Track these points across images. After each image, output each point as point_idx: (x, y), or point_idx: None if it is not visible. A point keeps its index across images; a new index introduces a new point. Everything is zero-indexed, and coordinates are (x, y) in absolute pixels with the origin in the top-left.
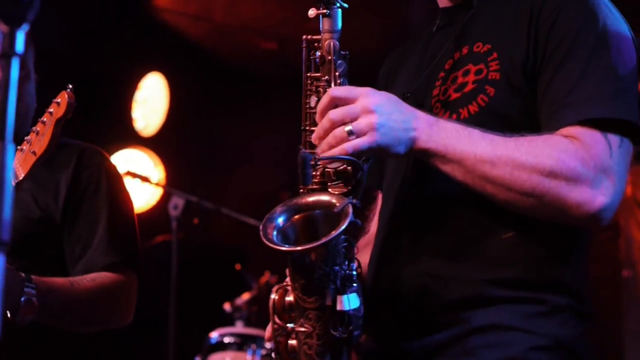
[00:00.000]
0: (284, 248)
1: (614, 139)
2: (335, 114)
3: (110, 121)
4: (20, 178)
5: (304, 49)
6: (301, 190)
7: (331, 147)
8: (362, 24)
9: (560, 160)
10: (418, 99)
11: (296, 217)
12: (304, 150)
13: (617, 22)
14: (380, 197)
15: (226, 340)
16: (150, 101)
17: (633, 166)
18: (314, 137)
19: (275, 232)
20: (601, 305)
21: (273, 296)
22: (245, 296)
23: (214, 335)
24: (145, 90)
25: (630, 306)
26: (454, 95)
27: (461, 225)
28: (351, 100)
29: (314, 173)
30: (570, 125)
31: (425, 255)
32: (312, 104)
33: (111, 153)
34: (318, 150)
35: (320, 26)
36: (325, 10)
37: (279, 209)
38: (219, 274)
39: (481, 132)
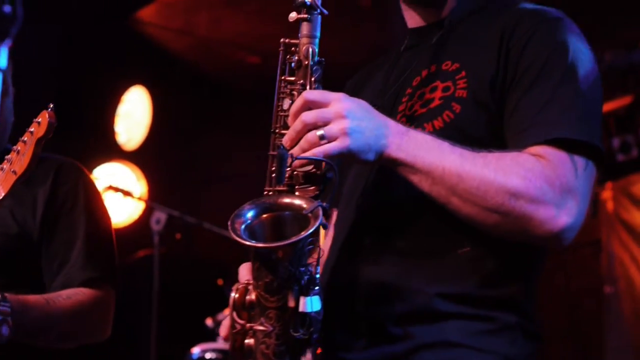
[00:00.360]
0: (250, 243)
1: (580, 160)
2: (307, 116)
3: (93, 135)
4: (0, 197)
5: (281, 51)
6: (265, 192)
7: (304, 150)
8: (350, 35)
9: (527, 179)
10: (384, 113)
11: (265, 215)
12: (282, 147)
13: (585, 49)
14: (335, 215)
15: (208, 356)
16: (133, 115)
17: (614, 182)
18: (285, 139)
19: (243, 227)
20: (583, 321)
21: (233, 294)
22: (227, 311)
23: (196, 350)
24: (128, 103)
25: (612, 322)
26: (420, 110)
27: (418, 236)
28: (324, 104)
29: None
30: (537, 144)
31: (380, 264)
32: (285, 106)
33: (93, 167)
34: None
35: (299, 31)
36: (306, 15)
37: (247, 206)
38: (201, 289)
39: (451, 145)
